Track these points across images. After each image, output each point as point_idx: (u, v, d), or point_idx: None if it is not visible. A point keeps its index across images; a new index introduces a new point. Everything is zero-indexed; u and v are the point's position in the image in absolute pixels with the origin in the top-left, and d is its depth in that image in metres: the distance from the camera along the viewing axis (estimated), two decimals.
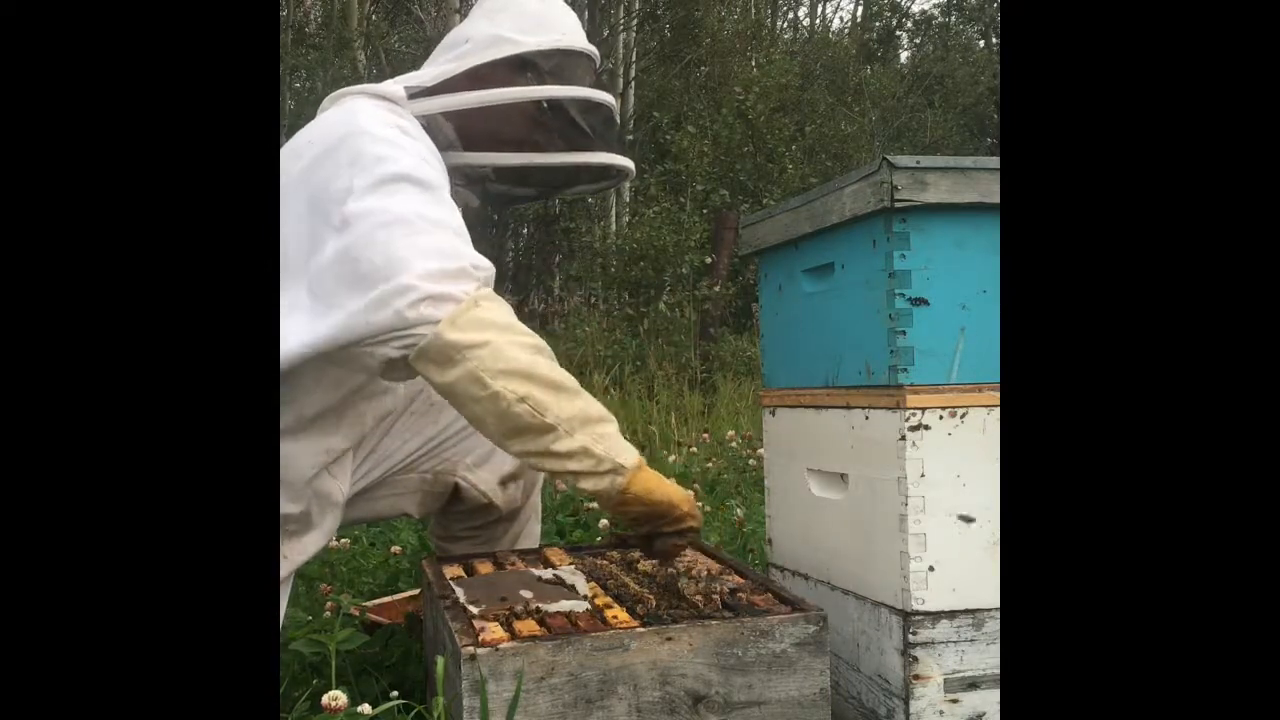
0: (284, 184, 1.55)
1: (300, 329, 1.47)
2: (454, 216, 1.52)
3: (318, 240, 1.50)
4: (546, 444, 1.43)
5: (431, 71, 1.69)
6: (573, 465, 1.44)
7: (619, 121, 1.79)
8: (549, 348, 1.49)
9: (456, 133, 1.66)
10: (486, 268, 1.49)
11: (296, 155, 1.58)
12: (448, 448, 1.91)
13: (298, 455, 1.57)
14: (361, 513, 1.94)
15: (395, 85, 1.68)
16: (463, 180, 1.71)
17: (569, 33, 1.72)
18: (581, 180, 1.82)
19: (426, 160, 1.55)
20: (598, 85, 1.74)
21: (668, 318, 7.32)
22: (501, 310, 1.47)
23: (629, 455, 1.47)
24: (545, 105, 1.66)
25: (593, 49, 1.76)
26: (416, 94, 1.66)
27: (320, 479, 1.62)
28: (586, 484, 1.45)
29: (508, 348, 1.42)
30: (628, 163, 1.76)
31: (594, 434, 1.45)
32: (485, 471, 1.92)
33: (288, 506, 1.58)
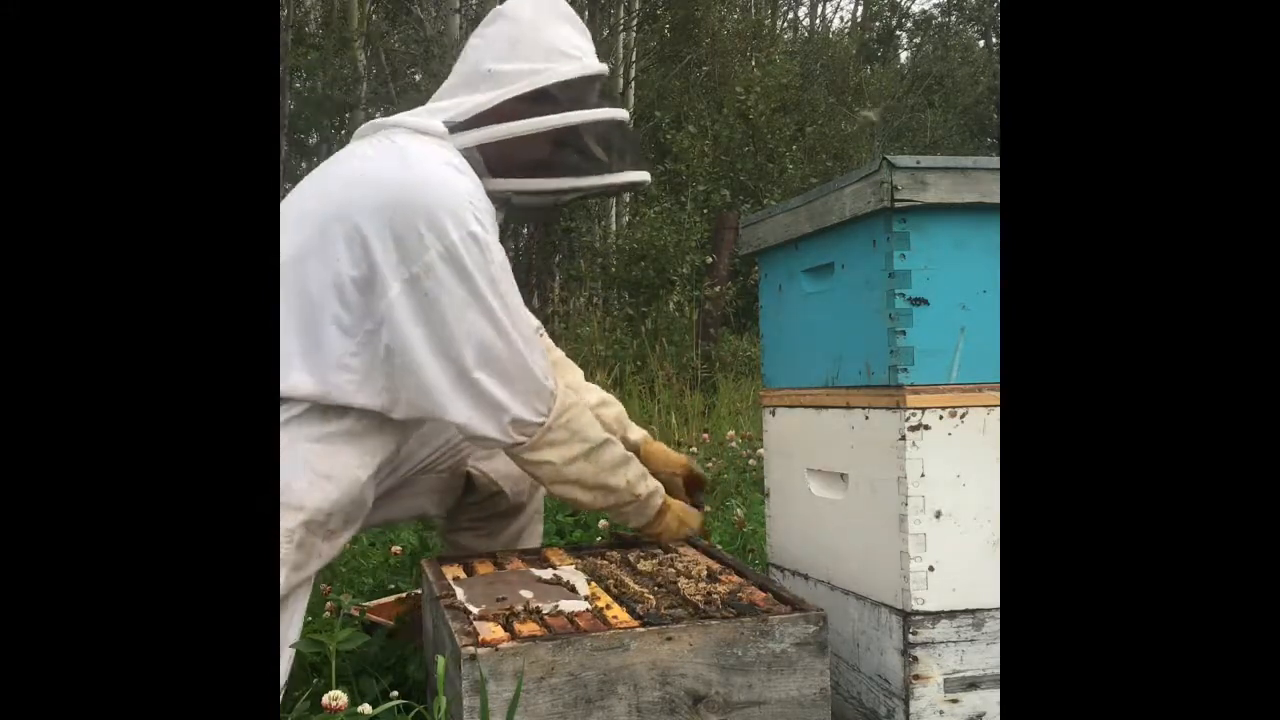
0: (314, 198, 1.66)
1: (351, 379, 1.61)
2: (525, 320, 1.69)
3: (357, 275, 1.59)
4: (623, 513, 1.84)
5: (458, 102, 1.73)
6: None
7: (633, 131, 1.91)
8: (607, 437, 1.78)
9: (484, 161, 1.71)
10: (552, 384, 1.71)
11: (346, 183, 1.65)
12: (465, 445, 1.93)
13: (349, 456, 1.62)
14: (385, 514, 1.97)
15: (433, 120, 1.72)
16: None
17: (584, 57, 1.77)
18: (604, 193, 1.90)
19: (490, 227, 1.64)
20: (610, 101, 1.80)
21: (671, 317, 7.32)
22: (565, 434, 1.72)
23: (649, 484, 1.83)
24: (565, 132, 1.73)
25: (603, 67, 1.81)
26: (455, 129, 1.71)
27: (368, 483, 1.67)
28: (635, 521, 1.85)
29: (566, 468, 1.73)
30: (644, 177, 1.84)
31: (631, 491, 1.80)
32: (495, 461, 1.96)
33: (335, 504, 1.61)
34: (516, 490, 1.99)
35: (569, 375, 2.11)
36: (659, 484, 1.86)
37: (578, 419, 1.73)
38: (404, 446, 1.88)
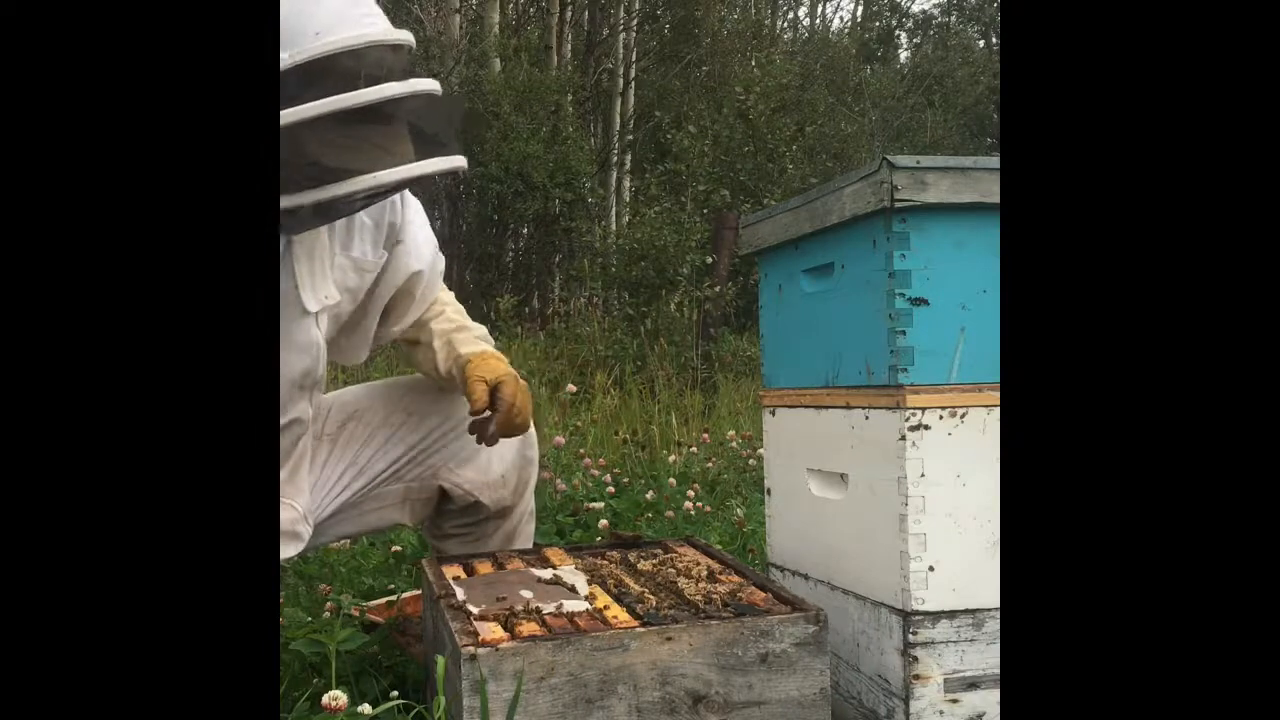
0: None
1: None
2: None
3: None
4: None
5: None
6: None
7: (436, 103, 1.41)
8: None
9: None
10: None
11: None
12: (431, 454, 1.90)
13: None
14: (353, 527, 1.94)
15: None
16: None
17: (324, 31, 1.35)
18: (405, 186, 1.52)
19: None
20: (404, 75, 1.38)
21: (671, 317, 7.32)
22: None
23: None
24: (289, 136, 1.30)
25: (375, 34, 1.38)
26: None
27: None
28: None
29: None
30: (413, 170, 1.38)
31: None
32: (469, 470, 1.90)
33: None
34: (496, 498, 1.92)
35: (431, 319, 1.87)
36: None
37: None
38: (360, 457, 1.86)
